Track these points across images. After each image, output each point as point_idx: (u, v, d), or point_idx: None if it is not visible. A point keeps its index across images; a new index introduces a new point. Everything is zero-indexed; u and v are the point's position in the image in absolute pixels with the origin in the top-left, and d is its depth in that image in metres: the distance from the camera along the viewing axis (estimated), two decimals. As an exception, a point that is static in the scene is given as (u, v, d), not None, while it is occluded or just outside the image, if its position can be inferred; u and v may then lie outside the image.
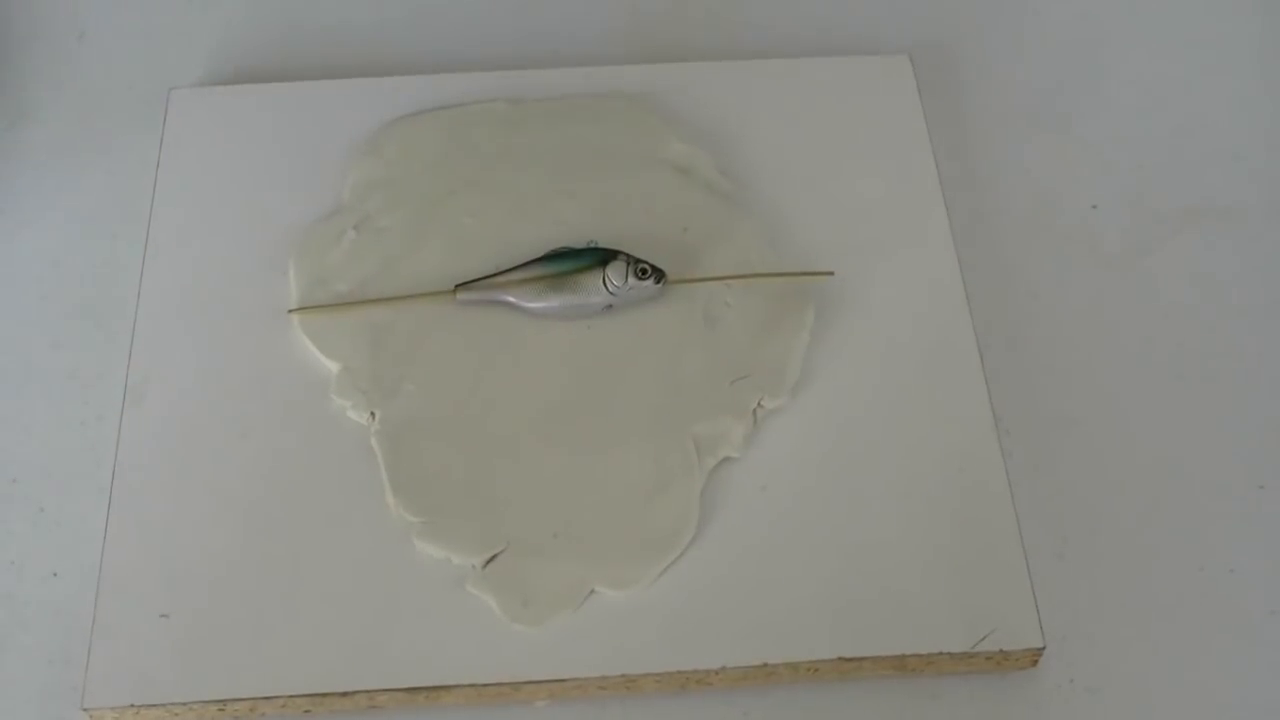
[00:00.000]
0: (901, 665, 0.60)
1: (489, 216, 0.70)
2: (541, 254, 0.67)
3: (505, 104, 0.74)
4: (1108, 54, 0.80)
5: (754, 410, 0.65)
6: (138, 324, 0.67)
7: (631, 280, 0.66)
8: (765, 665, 0.59)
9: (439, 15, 0.81)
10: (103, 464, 0.64)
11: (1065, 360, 0.69)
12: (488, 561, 0.61)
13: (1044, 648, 0.59)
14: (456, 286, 0.67)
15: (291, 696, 0.59)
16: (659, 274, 0.66)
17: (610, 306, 0.66)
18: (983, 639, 0.59)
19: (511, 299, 0.67)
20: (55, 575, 0.63)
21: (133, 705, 0.58)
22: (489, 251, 0.68)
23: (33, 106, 0.77)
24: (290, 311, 0.67)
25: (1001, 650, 0.59)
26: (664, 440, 0.64)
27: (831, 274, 0.68)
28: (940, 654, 0.59)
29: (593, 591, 0.60)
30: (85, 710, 0.58)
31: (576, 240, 0.68)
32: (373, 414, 0.64)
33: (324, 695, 0.59)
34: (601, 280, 0.66)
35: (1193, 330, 0.70)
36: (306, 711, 0.59)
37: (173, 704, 0.58)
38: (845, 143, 0.73)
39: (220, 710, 0.59)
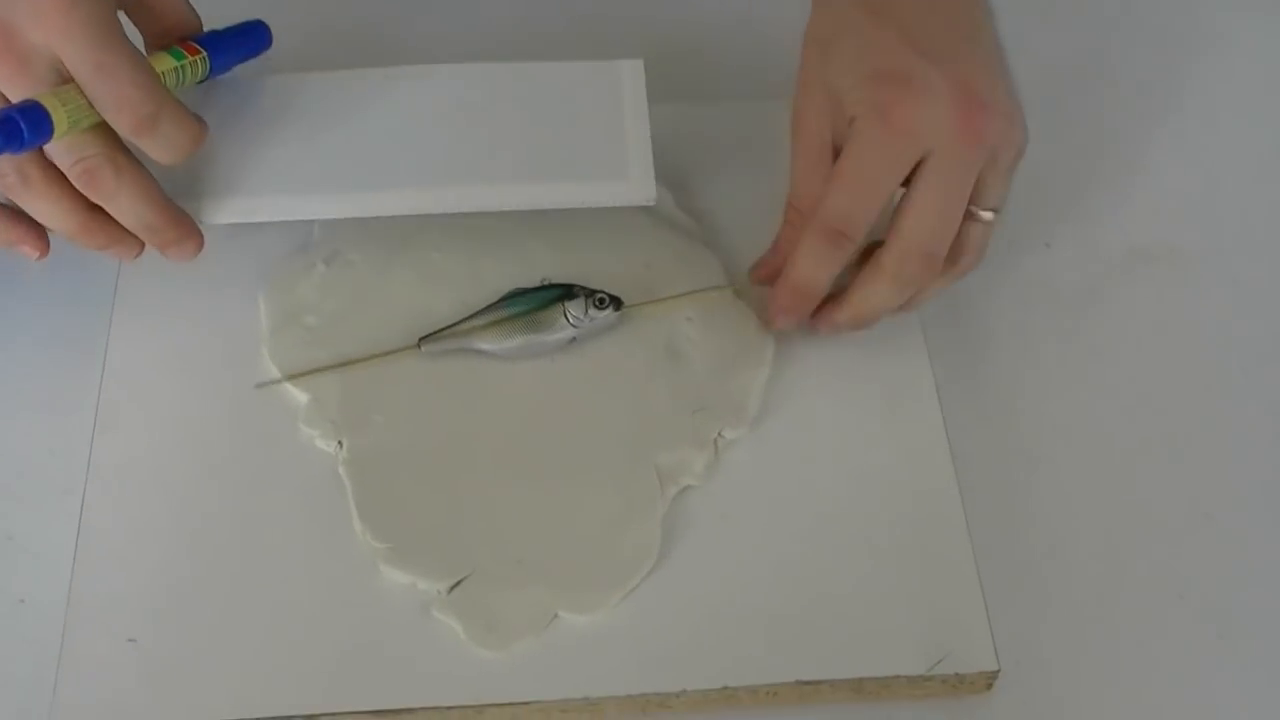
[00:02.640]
0: (859, 689, 0.61)
1: (456, 251, 0.71)
2: (497, 298, 0.69)
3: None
4: (1060, 98, 0.82)
5: (715, 440, 0.66)
6: (109, 351, 0.68)
7: (591, 311, 0.67)
8: (725, 689, 0.60)
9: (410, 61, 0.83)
10: (72, 491, 0.65)
11: (1019, 393, 0.71)
12: (453, 587, 0.62)
13: (998, 672, 0.61)
14: (420, 340, 0.68)
15: (258, 720, 0.59)
16: (616, 301, 0.68)
17: (574, 339, 0.68)
18: (938, 663, 0.60)
19: (476, 345, 0.68)
20: (23, 602, 0.63)
21: (99, 729, 0.59)
22: (456, 285, 0.70)
23: None
24: (258, 386, 0.68)
25: (957, 674, 0.60)
26: (627, 469, 0.65)
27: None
28: (896, 678, 0.60)
29: (556, 616, 0.61)
30: (52, 734, 0.59)
31: (529, 279, 0.69)
32: (340, 443, 0.65)
33: (290, 719, 0.59)
34: (562, 314, 0.67)
35: (1141, 365, 0.72)
36: (273, 735, 0.60)
37: (139, 728, 0.59)
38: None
39: (187, 734, 0.60)
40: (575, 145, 0.68)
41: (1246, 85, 0.85)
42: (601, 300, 0.68)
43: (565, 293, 0.68)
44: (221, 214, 0.66)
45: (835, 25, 0.64)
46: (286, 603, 0.62)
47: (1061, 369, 0.72)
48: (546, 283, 0.69)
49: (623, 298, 0.68)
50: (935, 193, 0.61)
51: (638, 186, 0.67)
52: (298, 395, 0.67)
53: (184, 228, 0.65)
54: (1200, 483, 0.68)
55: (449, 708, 0.60)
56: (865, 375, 0.69)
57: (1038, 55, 0.83)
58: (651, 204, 0.67)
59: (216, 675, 0.60)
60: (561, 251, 0.71)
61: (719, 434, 0.66)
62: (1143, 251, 0.77)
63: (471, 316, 0.68)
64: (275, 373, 0.67)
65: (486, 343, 0.68)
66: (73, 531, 0.63)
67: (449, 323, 0.68)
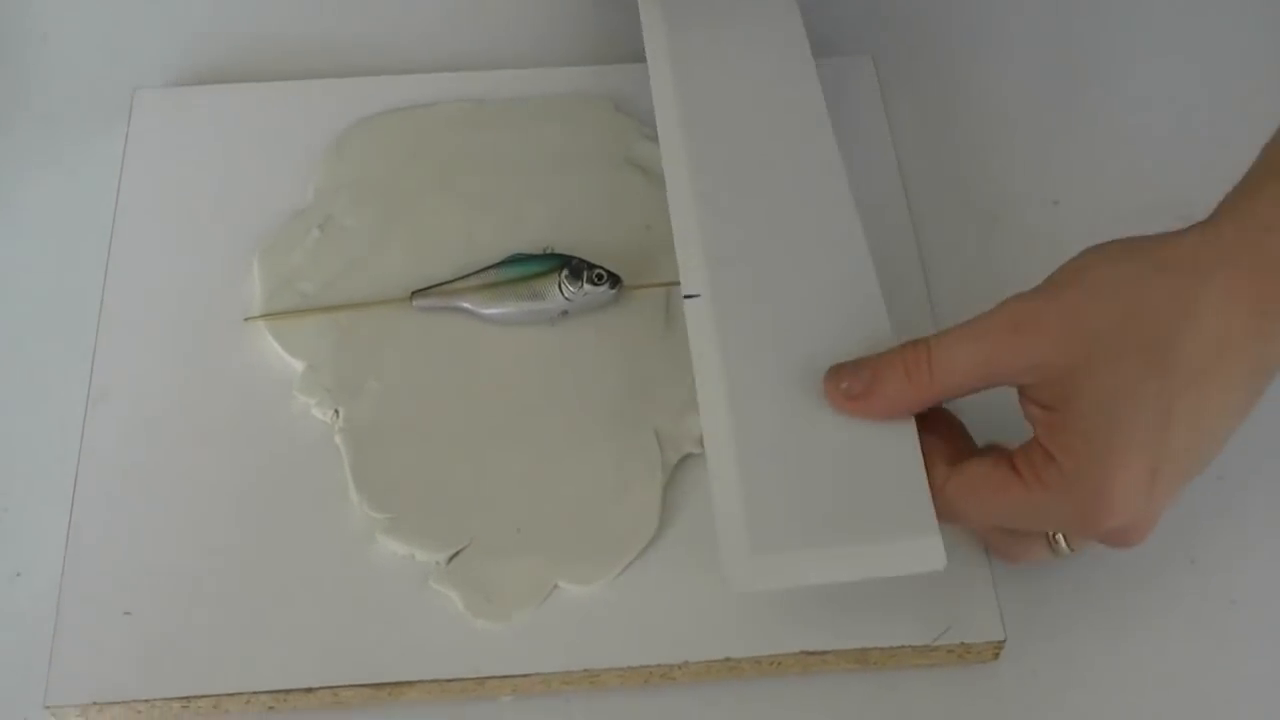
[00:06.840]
0: (864, 659, 0.60)
1: (453, 216, 0.70)
2: (497, 260, 0.68)
3: (469, 105, 0.75)
4: (1067, 54, 0.81)
5: (716, 407, 0.65)
6: (102, 323, 0.67)
7: (587, 286, 0.66)
8: (728, 660, 0.59)
9: (403, 17, 0.82)
10: (66, 463, 0.64)
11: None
12: (451, 558, 0.61)
13: (1005, 640, 0.60)
14: (412, 294, 0.67)
15: (255, 693, 0.59)
16: (615, 279, 0.67)
17: (566, 312, 0.67)
18: (944, 632, 0.60)
19: (467, 305, 0.67)
20: (19, 575, 0.63)
21: (95, 703, 0.58)
22: (453, 251, 0.69)
23: (-4, 109, 0.78)
24: (247, 320, 0.67)
25: (963, 643, 0.60)
26: (627, 437, 0.64)
27: None
28: (902, 647, 0.60)
29: (556, 587, 0.61)
30: (48, 708, 0.58)
31: (534, 245, 0.68)
32: (336, 412, 0.65)
33: (288, 692, 0.59)
34: (557, 286, 0.66)
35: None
36: (270, 708, 0.59)
37: (135, 701, 0.58)
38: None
39: (183, 707, 0.59)
40: None
41: (1256, 41, 0.83)
42: (599, 276, 0.66)
43: (563, 264, 0.67)
44: None
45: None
46: (283, 575, 0.61)
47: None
48: (549, 251, 0.68)
49: (625, 263, 0.67)
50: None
51: None
52: (293, 363, 0.66)
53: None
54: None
55: (448, 680, 0.59)
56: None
57: (1045, 15, 0.83)
58: None
59: (213, 648, 0.59)
60: (561, 215, 0.70)
61: (720, 400, 0.65)
62: (1151, 208, 0.75)
63: (466, 276, 0.67)
64: (272, 341, 0.67)
65: (478, 304, 0.67)
66: (67, 504, 0.63)
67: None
